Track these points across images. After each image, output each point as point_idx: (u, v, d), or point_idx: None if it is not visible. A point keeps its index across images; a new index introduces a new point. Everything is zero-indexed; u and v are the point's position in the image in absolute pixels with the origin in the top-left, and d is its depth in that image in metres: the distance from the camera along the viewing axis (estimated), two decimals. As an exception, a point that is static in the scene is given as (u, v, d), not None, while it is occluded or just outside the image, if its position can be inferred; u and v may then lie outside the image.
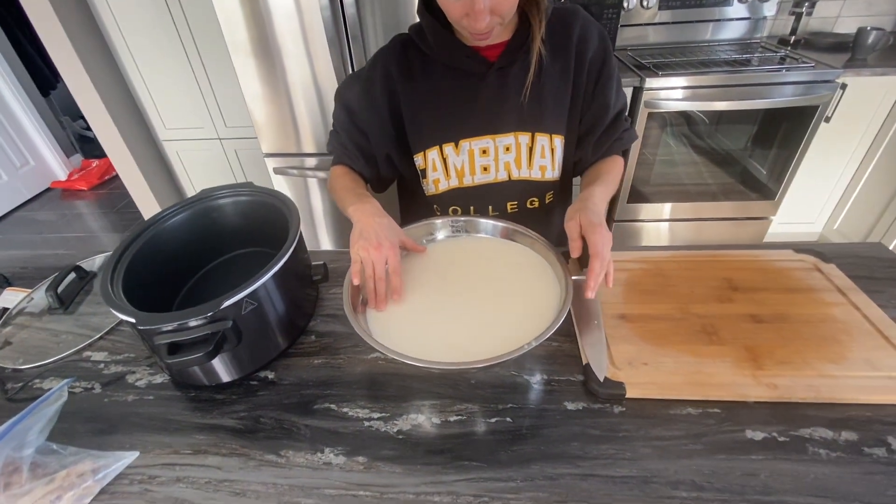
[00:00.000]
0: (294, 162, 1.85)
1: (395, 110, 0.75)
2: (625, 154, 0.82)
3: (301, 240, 0.70)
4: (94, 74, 1.92)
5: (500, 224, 0.74)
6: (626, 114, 0.80)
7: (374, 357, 0.66)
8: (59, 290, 0.79)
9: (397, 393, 0.61)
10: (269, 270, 0.59)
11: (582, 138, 0.78)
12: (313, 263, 0.73)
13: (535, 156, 0.76)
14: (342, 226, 2.00)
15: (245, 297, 0.57)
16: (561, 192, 0.85)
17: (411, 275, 0.69)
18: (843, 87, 1.75)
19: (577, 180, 0.87)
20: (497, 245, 0.73)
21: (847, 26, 2.07)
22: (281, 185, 1.90)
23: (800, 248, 0.79)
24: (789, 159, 1.90)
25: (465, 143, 0.74)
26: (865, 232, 2.00)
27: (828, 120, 1.83)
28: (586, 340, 0.63)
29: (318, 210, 1.96)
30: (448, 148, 0.75)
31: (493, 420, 0.57)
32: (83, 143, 3.60)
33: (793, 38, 2.06)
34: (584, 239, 0.61)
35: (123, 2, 1.81)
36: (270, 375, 0.65)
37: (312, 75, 1.62)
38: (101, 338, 0.74)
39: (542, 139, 0.75)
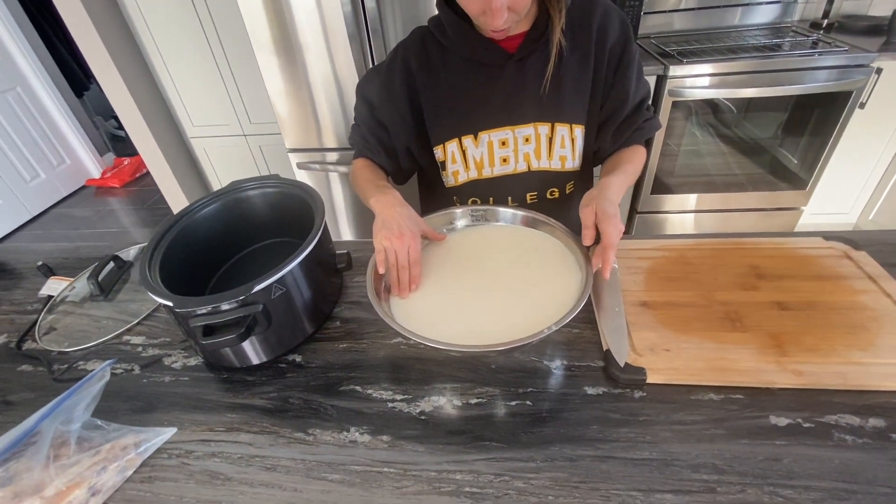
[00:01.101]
0: (316, 157, 1.89)
1: (415, 103, 0.77)
2: (648, 143, 0.81)
3: (326, 229, 0.72)
4: (126, 75, 1.99)
5: (520, 212, 0.75)
6: (650, 103, 0.79)
7: (397, 342, 0.68)
8: (100, 278, 0.83)
9: (419, 376, 0.63)
10: (297, 258, 0.61)
11: (601, 127, 0.78)
12: (337, 252, 0.76)
13: (555, 146, 0.76)
14: (363, 218, 2.03)
15: (274, 282, 0.59)
16: (581, 181, 0.85)
17: (433, 262, 0.70)
18: (879, 71, 1.68)
19: (597, 170, 0.86)
20: (517, 232, 0.74)
21: (882, 9, 1.97)
22: (303, 179, 1.94)
23: (830, 235, 0.77)
24: (822, 147, 1.83)
25: (484, 135, 0.75)
26: (903, 222, 1.92)
27: (862, 106, 1.76)
28: (607, 326, 0.64)
29: (339, 203, 2.00)
30: (467, 140, 0.76)
31: (514, 403, 0.58)
32: (115, 143, 3.74)
33: (825, 21, 1.97)
34: (596, 228, 0.61)
35: (151, 2, 1.87)
36: (298, 359, 0.67)
37: (333, 71, 1.65)
38: (138, 323, 0.78)
39: (561, 129, 0.75)
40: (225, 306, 0.58)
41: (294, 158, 1.90)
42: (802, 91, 1.70)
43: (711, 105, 1.79)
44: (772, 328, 0.62)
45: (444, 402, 0.59)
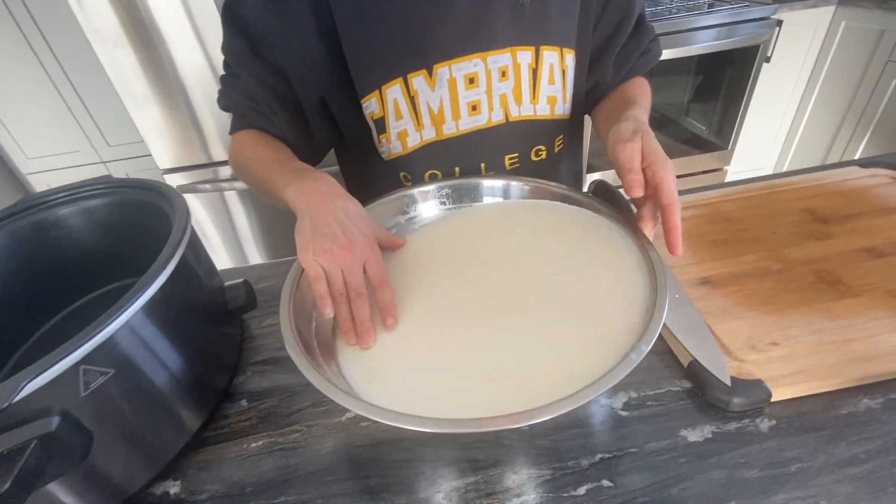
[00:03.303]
0: (204, 175, 1.51)
1: (326, 26, 0.48)
2: (650, 76, 0.61)
3: (196, 246, 0.42)
4: None
5: (513, 182, 0.51)
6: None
7: (353, 418, 0.40)
8: None
9: (404, 474, 0.35)
10: (127, 307, 0.31)
11: (598, 54, 0.56)
12: (227, 284, 0.46)
13: (542, 81, 0.52)
14: (279, 240, 1.68)
15: (79, 364, 0.29)
16: (571, 135, 0.62)
17: (394, 283, 0.43)
18: (779, 23, 1.71)
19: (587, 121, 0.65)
20: (514, 212, 0.49)
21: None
22: (191, 205, 1.55)
23: (865, 161, 0.63)
24: (738, 104, 1.84)
25: (442, 69, 0.49)
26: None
27: (768, 60, 1.79)
28: (678, 325, 0.41)
29: (243, 228, 1.63)
30: (417, 79, 0.50)
31: (582, 491, 0.33)
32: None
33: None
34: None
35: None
36: (174, 489, 0.37)
37: (209, 62, 1.30)
38: None
39: (550, 55, 0.51)
40: (-39, 439, 0.26)
41: (174, 181, 1.51)
42: (711, 49, 1.68)
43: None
44: (884, 284, 0.44)
45: (461, 517, 0.32)
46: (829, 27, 1.78)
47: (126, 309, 0.31)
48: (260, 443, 0.39)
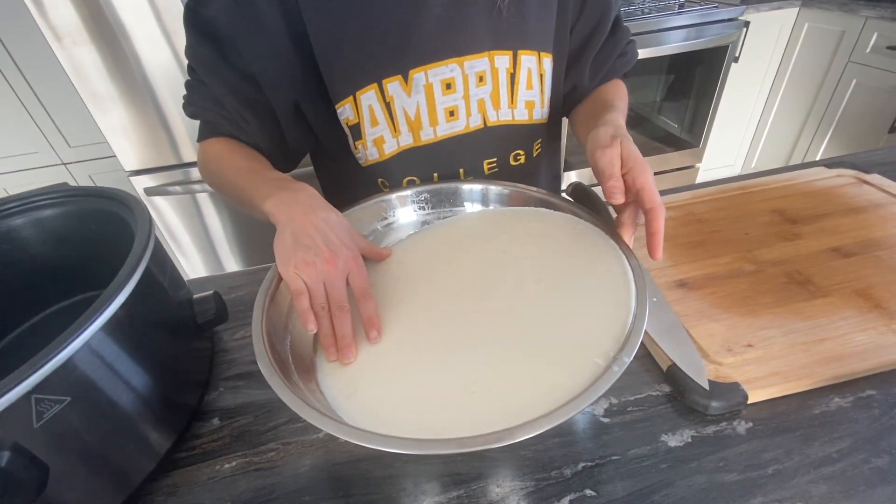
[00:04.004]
0: (174, 176, 1.46)
1: (297, 29, 0.46)
2: (625, 76, 0.61)
3: (160, 257, 0.40)
4: None
5: (490, 186, 0.50)
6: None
7: (329, 436, 0.39)
8: None
9: (384, 491, 0.35)
10: (85, 328, 0.29)
11: (576, 57, 0.55)
12: (196, 297, 0.44)
13: (519, 86, 0.52)
14: (255, 244, 1.63)
15: (31, 394, 0.27)
16: (549, 139, 0.61)
17: (376, 294, 0.41)
18: (747, 24, 1.76)
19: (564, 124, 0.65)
20: (498, 220, 0.48)
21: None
22: (160, 209, 1.50)
23: (832, 162, 0.65)
24: (708, 104, 1.89)
25: (418, 75, 0.48)
26: (782, 164, 2.07)
27: (737, 60, 1.84)
28: (655, 329, 0.42)
29: (216, 232, 1.58)
30: (393, 84, 0.48)
31: (566, 502, 0.33)
32: None
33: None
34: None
35: None
36: (141, 516, 0.35)
37: (176, 58, 1.26)
38: None
39: (527, 60, 0.51)
40: None
41: (140, 183, 1.45)
42: (682, 49, 1.72)
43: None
44: (852, 283, 0.46)
45: (444, 534, 0.32)
46: (793, 28, 1.84)
47: (83, 330, 0.29)
48: (234, 463, 0.37)
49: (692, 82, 1.91)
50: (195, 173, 1.46)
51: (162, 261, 0.40)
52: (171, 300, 0.40)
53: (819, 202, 0.58)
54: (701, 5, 1.72)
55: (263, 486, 0.36)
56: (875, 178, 0.61)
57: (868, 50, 1.60)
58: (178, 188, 1.48)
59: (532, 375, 0.32)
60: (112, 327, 0.32)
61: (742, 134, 2.12)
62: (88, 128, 1.52)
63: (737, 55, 1.82)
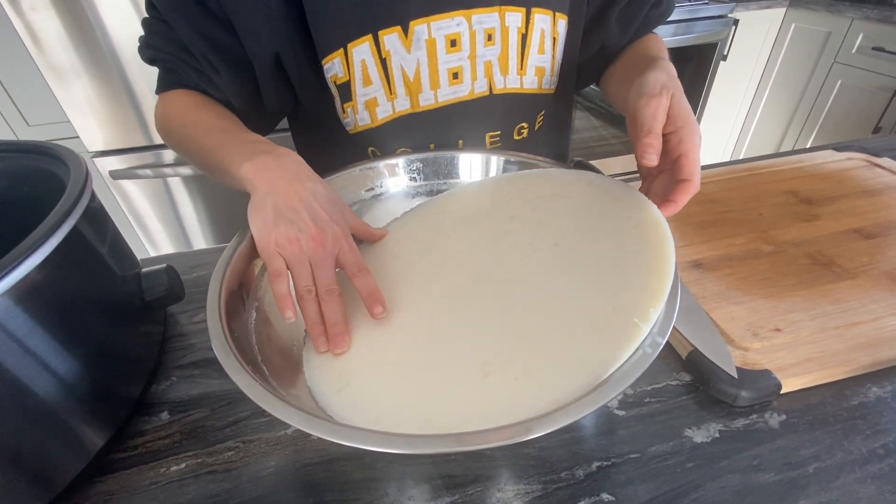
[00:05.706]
0: (143, 159, 1.37)
1: None
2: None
3: (100, 221, 0.34)
4: None
5: (494, 155, 0.44)
6: None
7: (300, 432, 0.33)
8: None
9: (363, 497, 0.29)
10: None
11: (600, 13, 0.48)
12: (145, 271, 0.37)
13: (531, 49, 0.46)
14: (232, 231, 1.55)
15: None
16: (556, 112, 0.55)
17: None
18: (736, 22, 1.76)
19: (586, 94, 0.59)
20: (503, 187, 0.42)
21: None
22: (128, 193, 1.40)
23: (839, 146, 0.62)
24: (697, 100, 1.89)
25: (420, 27, 0.42)
26: (769, 164, 2.08)
27: (725, 58, 1.84)
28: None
29: (189, 219, 1.49)
30: (390, 37, 0.41)
31: (581, 508, 0.28)
32: None
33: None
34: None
35: None
36: (63, 529, 0.28)
37: (142, 32, 1.17)
38: None
39: (541, 20, 0.45)
40: None
41: (105, 165, 1.35)
42: (672, 44, 1.70)
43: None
44: (878, 265, 0.42)
45: (436, 549, 0.26)
46: (781, 28, 1.85)
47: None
48: (183, 465, 0.31)
49: (681, 79, 1.89)
50: (168, 156, 1.37)
51: (101, 224, 0.34)
52: (110, 271, 0.34)
53: (832, 184, 0.54)
54: (691, 1, 1.71)
55: (217, 492, 0.30)
56: (886, 161, 0.58)
57: (854, 50, 1.61)
58: (147, 171, 1.39)
59: (558, 347, 0.27)
60: (24, 294, 0.25)
61: (728, 132, 2.13)
62: (49, 105, 1.41)
63: (725, 53, 1.82)
